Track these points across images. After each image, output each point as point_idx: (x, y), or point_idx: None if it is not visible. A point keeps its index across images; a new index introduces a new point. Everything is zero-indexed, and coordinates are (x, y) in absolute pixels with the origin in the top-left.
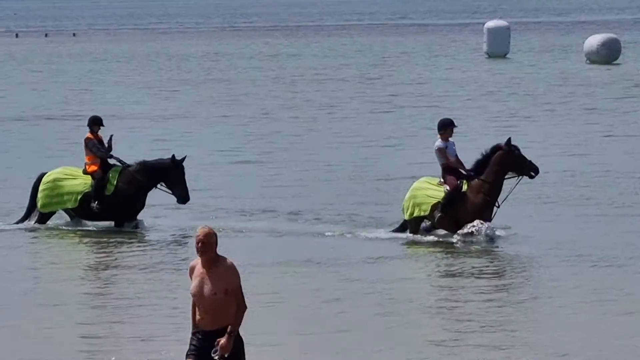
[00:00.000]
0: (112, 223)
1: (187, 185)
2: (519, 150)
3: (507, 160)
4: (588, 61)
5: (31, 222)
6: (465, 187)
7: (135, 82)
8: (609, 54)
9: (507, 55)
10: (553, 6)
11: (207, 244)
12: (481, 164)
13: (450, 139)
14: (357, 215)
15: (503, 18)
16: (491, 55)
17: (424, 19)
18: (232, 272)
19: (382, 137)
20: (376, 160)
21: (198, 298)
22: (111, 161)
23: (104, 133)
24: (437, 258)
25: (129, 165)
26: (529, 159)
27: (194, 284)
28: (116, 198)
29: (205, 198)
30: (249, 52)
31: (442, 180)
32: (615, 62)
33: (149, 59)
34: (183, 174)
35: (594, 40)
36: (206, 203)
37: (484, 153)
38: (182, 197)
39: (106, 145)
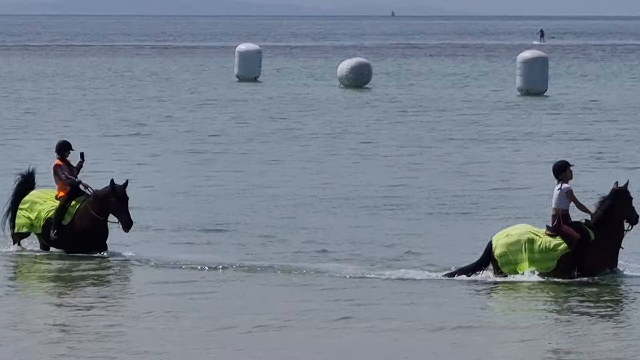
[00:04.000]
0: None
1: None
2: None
3: (624, 205)
4: (342, 85)
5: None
6: (592, 236)
7: None
8: (358, 78)
9: (258, 79)
10: (309, 31)
11: None
12: (604, 212)
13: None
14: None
15: (256, 42)
16: (241, 78)
17: (181, 42)
18: None
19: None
20: None
21: None
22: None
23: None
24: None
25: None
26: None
27: None
28: (71, 229)
29: None
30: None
31: (549, 228)
32: (365, 87)
33: None
34: (125, 199)
35: (345, 65)
36: None
37: (605, 199)
38: (125, 223)
39: (76, 165)
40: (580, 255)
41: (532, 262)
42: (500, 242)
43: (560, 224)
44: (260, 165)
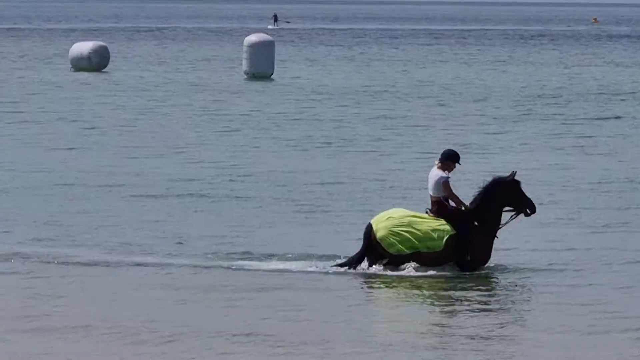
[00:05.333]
0: None
1: None
2: (519, 184)
3: (510, 194)
4: (73, 69)
5: None
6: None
7: None
8: (99, 61)
9: None
10: (37, 13)
11: None
12: (483, 200)
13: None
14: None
15: None
16: None
17: None
18: None
19: None
20: None
21: None
22: None
23: None
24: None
25: None
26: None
27: None
28: None
29: None
30: None
31: (429, 212)
32: (104, 70)
33: None
34: None
35: (82, 48)
36: None
37: (484, 187)
38: None
39: None
40: (467, 236)
41: (419, 241)
42: (382, 224)
43: (442, 208)
44: None
